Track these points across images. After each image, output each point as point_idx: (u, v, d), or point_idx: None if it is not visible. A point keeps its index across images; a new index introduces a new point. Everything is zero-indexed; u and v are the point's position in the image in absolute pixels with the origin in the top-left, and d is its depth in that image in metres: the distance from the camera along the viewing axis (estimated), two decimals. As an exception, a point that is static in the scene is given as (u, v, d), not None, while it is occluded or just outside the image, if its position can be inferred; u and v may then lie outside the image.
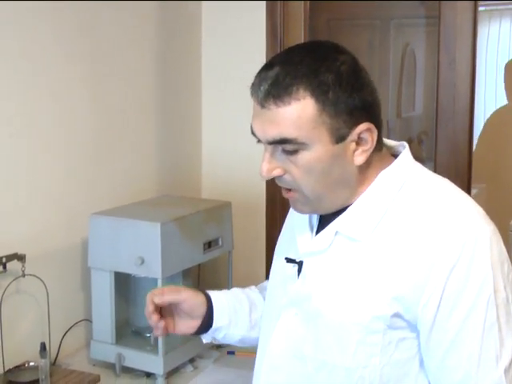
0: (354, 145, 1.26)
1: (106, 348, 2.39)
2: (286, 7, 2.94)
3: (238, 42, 3.11)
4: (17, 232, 2.28)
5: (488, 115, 4.77)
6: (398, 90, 4.11)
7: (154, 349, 2.33)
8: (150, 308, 1.48)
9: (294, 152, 1.24)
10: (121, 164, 2.75)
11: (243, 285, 2.72)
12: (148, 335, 2.42)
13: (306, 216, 1.40)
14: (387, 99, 4.02)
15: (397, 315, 1.23)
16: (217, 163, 3.21)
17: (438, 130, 2.71)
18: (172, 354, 2.35)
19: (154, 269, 2.26)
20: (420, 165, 1.36)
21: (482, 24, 5.16)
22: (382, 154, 1.33)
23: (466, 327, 1.20)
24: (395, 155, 1.36)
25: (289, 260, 1.39)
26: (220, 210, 2.59)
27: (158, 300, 1.48)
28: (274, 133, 1.23)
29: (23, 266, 2.21)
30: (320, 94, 1.21)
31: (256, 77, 1.26)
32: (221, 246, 2.56)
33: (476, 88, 2.71)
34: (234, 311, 1.57)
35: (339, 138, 1.24)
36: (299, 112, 1.21)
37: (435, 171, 1.39)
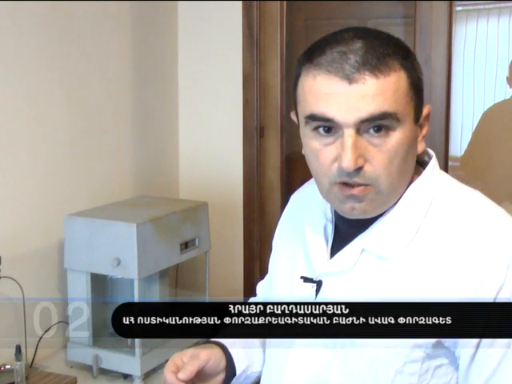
0: (419, 130, 1.18)
1: (82, 350, 2.37)
2: (262, 7, 2.93)
3: (215, 43, 3.10)
4: (-9, 234, 2.26)
5: (466, 114, 4.76)
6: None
7: (131, 350, 2.31)
8: None
9: (387, 131, 1.10)
10: (98, 165, 2.73)
11: (220, 285, 2.71)
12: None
13: (321, 228, 1.27)
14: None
15: (438, 342, 1.14)
16: (194, 164, 3.20)
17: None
18: (149, 355, 2.33)
19: (130, 270, 2.25)
20: (446, 174, 1.26)
21: (460, 23, 5.17)
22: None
23: (511, 354, 1.12)
24: (420, 164, 1.25)
25: (306, 279, 1.24)
26: (196, 211, 2.58)
27: (185, 376, 1.26)
28: (372, 107, 1.08)
29: (-2, 268, 2.20)
30: (408, 67, 1.12)
31: (329, 53, 1.10)
32: (198, 247, 2.55)
33: (453, 87, 2.72)
34: (249, 354, 1.40)
35: (417, 119, 1.16)
36: (397, 84, 1.10)
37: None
